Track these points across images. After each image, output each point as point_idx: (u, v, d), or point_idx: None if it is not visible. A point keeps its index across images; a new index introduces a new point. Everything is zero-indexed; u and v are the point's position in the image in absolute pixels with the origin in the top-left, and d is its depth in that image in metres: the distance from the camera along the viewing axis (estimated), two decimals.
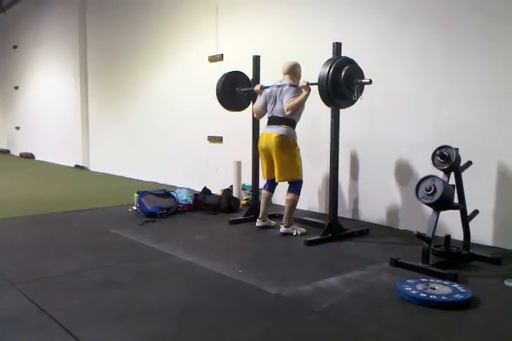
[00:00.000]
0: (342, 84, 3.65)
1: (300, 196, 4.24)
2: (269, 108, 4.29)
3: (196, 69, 6.79)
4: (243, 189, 5.73)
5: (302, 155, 4.27)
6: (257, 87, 4.46)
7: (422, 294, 2.65)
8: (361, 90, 3.78)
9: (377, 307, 2.61)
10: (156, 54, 7.62)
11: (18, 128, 13.15)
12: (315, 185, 5.20)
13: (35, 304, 2.58)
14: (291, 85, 4.11)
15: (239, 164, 5.62)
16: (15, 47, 12.77)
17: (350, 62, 3.77)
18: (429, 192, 3.24)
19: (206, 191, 5.44)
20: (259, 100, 4.40)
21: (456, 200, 3.41)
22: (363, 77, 3.75)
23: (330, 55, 3.88)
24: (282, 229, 4.24)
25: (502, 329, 2.40)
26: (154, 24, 7.60)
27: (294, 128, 4.21)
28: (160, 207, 4.94)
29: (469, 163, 3.51)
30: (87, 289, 2.85)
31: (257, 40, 5.78)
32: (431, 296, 2.63)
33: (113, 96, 8.99)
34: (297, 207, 4.31)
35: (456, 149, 3.37)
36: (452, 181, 3.39)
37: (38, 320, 2.40)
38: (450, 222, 3.74)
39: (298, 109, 4.06)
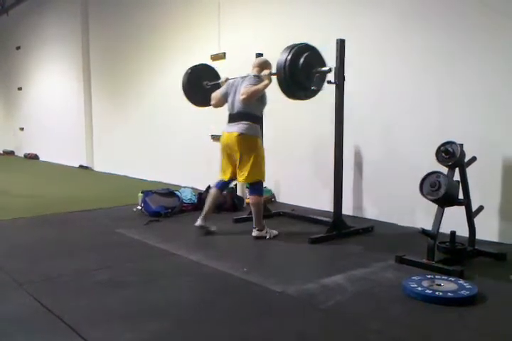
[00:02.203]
0: (300, 72, 3.39)
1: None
2: (229, 101, 4.07)
3: None
4: (247, 187, 5.71)
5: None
6: (222, 79, 4.33)
7: (427, 291, 2.65)
8: (322, 80, 3.52)
9: (383, 305, 2.61)
10: (159, 53, 7.62)
11: (22, 129, 13.19)
12: (319, 183, 5.19)
13: (41, 304, 2.59)
14: (254, 76, 3.97)
15: None
16: (18, 48, 12.80)
17: (310, 48, 3.54)
18: (434, 188, 3.23)
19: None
20: (221, 89, 4.22)
21: (461, 196, 3.40)
22: (324, 65, 3.51)
23: (333, 54, 3.86)
24: (255, 232, 4.06)
25: (508, 324, 2.39)
26: (156, 23, 7.60)
27: (257, 123, 4.00)
28: (164, 206, 4.95)
29: (474, 159, 3.49)
30: (93, 289, 2.86)
31: (259, 39, 5.76)
32: (436, 293, 2.62)
33: (116, 96, 9.00)
34: (301, 205, 4.32)
35: (461, 145, 3.34)
36: (457, 177, 3.38)
37: (45, 320, 2.41)
38: (455, 218, 3.73)
39: (254, 96, 3.84)
